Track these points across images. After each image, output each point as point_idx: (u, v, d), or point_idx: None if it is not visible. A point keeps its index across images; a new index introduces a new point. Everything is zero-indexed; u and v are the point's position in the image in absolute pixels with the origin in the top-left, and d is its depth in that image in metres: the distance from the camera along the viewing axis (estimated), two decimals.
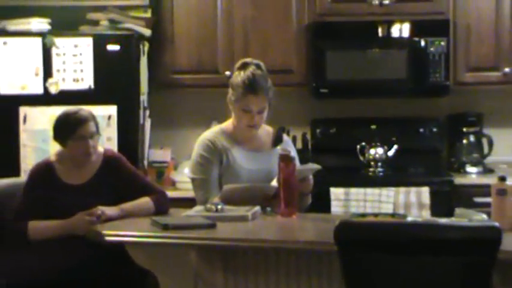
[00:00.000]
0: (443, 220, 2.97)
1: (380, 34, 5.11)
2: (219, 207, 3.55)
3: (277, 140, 3.98)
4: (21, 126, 4.71)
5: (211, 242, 3.18)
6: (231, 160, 3.88)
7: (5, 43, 4.70)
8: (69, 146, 3.74)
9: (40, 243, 3.64)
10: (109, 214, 3.58)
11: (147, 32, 4.95)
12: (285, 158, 3.66)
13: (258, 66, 3.86)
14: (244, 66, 3.86)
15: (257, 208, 3.60)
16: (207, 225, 3.31)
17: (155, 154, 5.18)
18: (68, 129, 3.73)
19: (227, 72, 4.97)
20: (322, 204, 4.47)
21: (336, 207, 4.78)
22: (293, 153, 3.81)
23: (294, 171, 3.65)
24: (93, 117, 3.80)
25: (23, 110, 4.72)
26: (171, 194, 4.08)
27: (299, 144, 5.20)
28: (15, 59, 4.70)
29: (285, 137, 4.09)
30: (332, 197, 4.80)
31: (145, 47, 4.96)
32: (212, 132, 3.99)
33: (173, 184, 5.09)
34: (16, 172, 4.63)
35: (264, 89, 3.81)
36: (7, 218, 3.72)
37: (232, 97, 3.85)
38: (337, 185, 4.82)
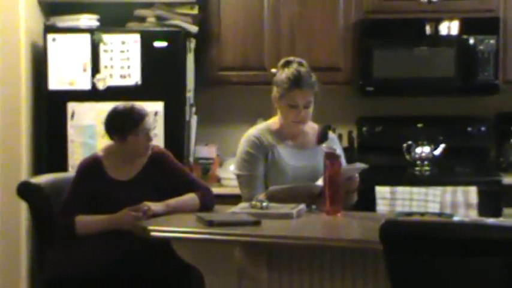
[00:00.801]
0: (491, 220, 2.93)
1: (428, 32, 5.06)
2: (264, 204, 3.55)
3: (322, 138, 3.96)
4: (69, 122, 4.76)
5: (256, 239, 3.17)
6: (276, 157, 3.88)
7: (54, 39, 4.74)
8: (130, 140, 3.76)
9: (86, 238, 3.67)
10: (155, 210, 3.59)
11: (194, 29, 4.96)
12: (331, 156, 3.64)
13: (300, 64, 3.88)
14: (287, 64, 3.89)
15: (302, 206, 3.59)
16: (251, 222, 3.31)
17: (201, 151, 5.20)
18: (130, 124, 3.73)
19: (273, 70, 4.95)
20: (367, 202, 4.45)
21: (382, 206, 4.76)
22: (339, 151, 3.80)
23: (339, 169, 3.64)
24: (148, 113, 3.84)
25: (71, 106, 4.76)
26: (216, 190, 4.09)
27: (345, 142, 5.17)
28: (64, 55, 4.75)
29: (330, 134, 4.08)
30: (378, 195, 4.78)
31: (191, 43, 4.98)
32: (258, 129, 4.00)
33: (218, 181, 5.11)
34: (64, 167, 4.68)
35: (309, 83, 3.82)
36: (55, 212, 3.76)
37: (277, 94, 3.85)
38: (383, 183, 4.79)
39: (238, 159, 3.95)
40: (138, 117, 3.75)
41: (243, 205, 3.67)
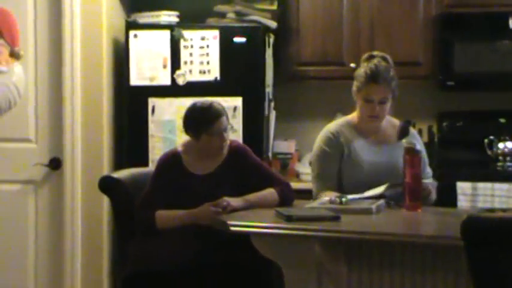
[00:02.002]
0: None
1: (511, 25, 4.96)
2: (343, 199, 3.54)
3: (402, 133, 3.92)
4: (150, 117, 4.82)
5: (335, 235, 3.16)
6: (352, 153, 3.86)
7: (135, 36, 4.81)
8: (203, 139, 3.78)
9: (166, 232, 3.71)
10: (234, 205, 3.61)
11: (273, 24, 4.97)
12: (411, 151, 3.61)
13: (383, 59, 3.86)
14: (369, 58, 3.88)
15: (381, 201, 3.57)
16: (331, 217, 3.30)
17: (279, 146, 5.20)
18: (204, 123, 3.74)
19: (352, 64, 4.93)
20: (448, 198, 4.38)
21: (463, 202, 4.68)
22: (419, 146, 3.76)
23: (420, 165, 3.61)
24: (225, 111, 3.84)
25: (152, 101, 4.82)
26: (295, 185, 4.09)
27: (425, 138, 5.11)
28: (144, 51, 4.81)
29: (411, 130, 4.04)
30: (458, 191, 4.70)
31: (270, 39, 4.99)
32: (336, 124, 3.99)
33: (297, 176, 5.11)
34: (144, 162, 4.74)
35: (386, 79, 3.79)
36: (135, 206, 3.81)
37: (355, 88, 3.86)
38: (464, 179, 4.71)
39: (312, 155, 3.96)
40: (213, 117, 3.75)
41: (322, 200, 3.66)
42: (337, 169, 3.89)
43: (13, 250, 4.79)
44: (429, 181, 3.90)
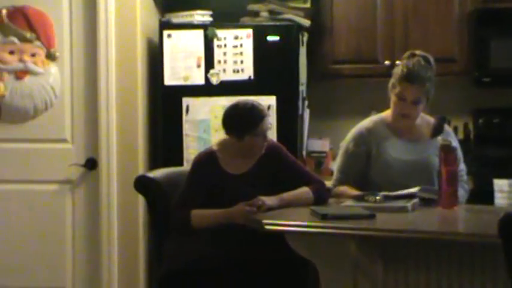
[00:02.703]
0: None
1: None
2: (378, 198, 3.52)
3: (437, 130, 3.90)
4: (184, 117, 4.83)
5: (371, 233, 3.15)
6: (381, 150, 3.86)
7: (169, 36, 4.83)
8: (247, 140, 3.77)
9: (202, 230, 3.72)
10: (269, 204, 3.60)
11: (307, 23, 4.96)
12: (446, 149, 3.59)
13: (424, 59, 3.85)
14: (410, 57, 3.87)
15: (416, 199, 3.55)
16: (366, 215, 3.28)
17: (314, 144, 5.19)
18: (250, 125, 3.74)
19: (386, 62, 4.92)
20: (485, 195, 4.34)
21: (500, 199, 4.63)
22: (454, 144, 3.73)
23: (455, 162, 3.58)
24: (267, 113, 3.85)
25: (186, 101, 4.83)
26: (329, 184, 4.08)
27: (460, 135, 5.07)
28: (178, 50, 4.82)
29: (446, 127, 4.01)
30: (495, 188, 4.64)
31: (304, 37, 4.98)
32: (371, 120, 3.99)
33: (331, 174, 5.07)
34: (179, 161, 4.76)
35: (421, 80, 3.77)
36: (171, 205, 3.83)
37: (390, 84, 3.85)
38: (501, 176, 4.65)
39: (340, 147, 3.98)
40: (257, 119, 3.75)
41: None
42: (360, 168, 3.90)
43: (51, 249, 4.84)
44: (462, 180, 3.86)
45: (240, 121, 3.76)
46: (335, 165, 4.05)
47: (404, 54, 3.91)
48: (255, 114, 3.75)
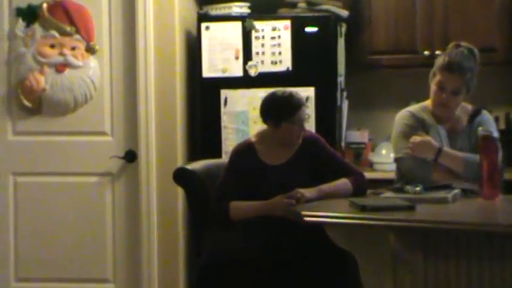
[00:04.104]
0: None
1: None
2: (418, 189, 3.50)
3: (474, 115, 3.88)
4: (222, 109, 4.84)
5: (411, 224, 3.13)
6: (435, 137, 3.82)
7: (207, 28, 4.83)
8: (283, 128, 3.78)
9: (241, 222, 3.72)
10: (308, 196, 3.60)
11: (345, 13, 4.93)
12: (487, 139, 3.55)
13: (468, 50, 3.85)
14: (454, 47, 3.86)
15: (457, 190, 3.52)
16: (406, 207, 3.26)
17: (352, 135, 5.17)
18: (286, 112, 3.75)
19: (426, 52, 4.88)
20: None
21: None
22: (495, 133, 3.70)
23: (497, 152, 3.54)
24: (305, 102, 3.85)
25: (224, 93, 4.84)
26: (368, 175, 4.06)
27: (502, 125, 5.02)
28: (216, 42, 4.83)
29: (486, 116, 3.97)
30: None
31: (342, 28, 4.95)
32: (414, 107, 3.98)
33: (371, 165, 5.07)
34: (217, 153, 4.77)
35: (461, 69, 3.76)
36: (210, 197, 3.84)
37: (432, 72, 3.85)
38: None
39: (394, 139, 3.92)
40: (295, 106, 3.76)
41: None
42: None
43: (91, 240, 4.88)
44: None
45: (277, 108, 3.77)
46: (399, 171, 3.98)
47: (449, 45, 3.90)
48: (293, 102, 3.76)
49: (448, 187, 3.57)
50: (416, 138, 3.78)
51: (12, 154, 4.93)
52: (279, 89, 3.86)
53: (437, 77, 3.80)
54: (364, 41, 5.11)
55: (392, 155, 4.05)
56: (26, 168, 4.93)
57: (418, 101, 4.13)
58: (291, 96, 3.78)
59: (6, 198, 4.93)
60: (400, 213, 3.20)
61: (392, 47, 5.08)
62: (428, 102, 3.95)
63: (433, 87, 3.85)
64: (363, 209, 3.25)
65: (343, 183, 3.73)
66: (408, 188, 3.52)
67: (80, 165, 4.89)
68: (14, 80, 4.89)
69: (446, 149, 3.77)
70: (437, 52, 4.71)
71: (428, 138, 3.78)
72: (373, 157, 5.09)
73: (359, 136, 5.19)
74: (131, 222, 4.85)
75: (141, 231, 4.80)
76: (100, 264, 4.88)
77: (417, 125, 3.87)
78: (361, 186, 3.76)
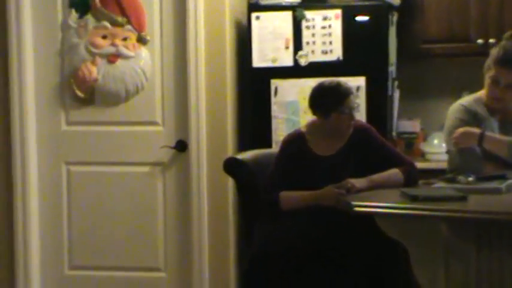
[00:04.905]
0: None
1: None
2: (470, 179, 3.46)
3: None
4: (273, 99, 4.83)
5: (463, 215, 3.09)
6: (490, 130, 3.76)
7: (257, 17, 4.83)
8: (332, 117, 3.76)
9: (291, 212, 3.72)
10: (358, 187, 3.58)
11: (396, 2, 4.88)
12: None
13: None
14: (509, 37, 3.78)
15: (511, 180, 3.47)
16: (458, 197, 3.23)
17: (404, 125, 5.13)
18: (334, 102, 3.74)
19: (479, 40, 4.81)
20: None
21: None
22: None
23: None
24: (353, 91, 3.83)
25: (274, 83, 4.83)
26: (420, 165, 4.03)
27: None
28: (266, 32, 4.82)
29: None
30: None
31: (394, 17, 4.91)
32: (467, 100, 3.92)
33: (422, 155, 5.03)
34: (268, 143, 4.76)
35: None
36: (260, 187, 3.84)
37: (486, 64, 3.77)
38: None
39: (446, 133, 3.87)
40: (342, 95, 3.74)
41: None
42: None
43: (143, 229, 4.92)
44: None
45: (325, 98, 3.76)
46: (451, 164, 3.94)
47: (505, 34, 3.82)
48: (341, 91, 3.74)
49: (501, 177, 3.52)
50: (457, 132, 3.72)
51: (65, 144, 4.99)
52: (326, 80, 3.85)
53: (492, 71, 3.72)
54: (416, 30, 5.05)
55: (444, 145, 4.01)
56: (79, 157, 4.99)
57: (471, 90, 4.08)
58: (338, 85, 3.76)
59: (60, 188, 5.00)
60: (452, 203, 3.17)
61: (445, 36, 5.01)
62: (482, 93, 3.88)
63: (487, 80, 3.77)
64: (414, 199, 3.23)
65: (394, 173, 3.70)
66: (461, 178, 3.48)
67: (131, 155, 4.93)
68: (67, 71, 4.95)
69: (489, 133, 3.70)
70: (491, 40, 4.64)
71: (467, 128, 3.72)
72: (425, 147, 5.05)
73: (410, 126, 5.15)
74: (182, 212, 4.87)
75: (191, 221, 4.83)
76: (151, 253, 4.92)
77: (469, 119, 3.81)
78: (412, 177, 3.73)
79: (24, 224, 4.93)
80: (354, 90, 3.85)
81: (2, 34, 4.89)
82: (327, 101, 3.75)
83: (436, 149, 4.90)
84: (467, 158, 3.69)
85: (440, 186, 3.51)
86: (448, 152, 3.92)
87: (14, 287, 4.96)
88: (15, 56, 4.88)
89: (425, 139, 5.12)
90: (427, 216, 3.14)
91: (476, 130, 3.68)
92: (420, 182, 3.74)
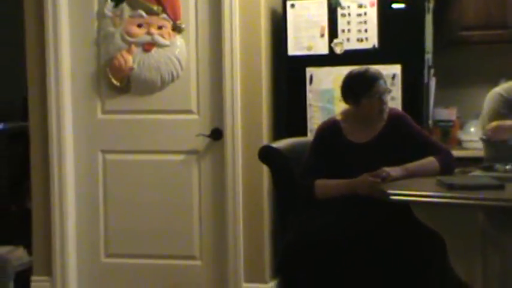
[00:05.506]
0: None
1: None
2: (508, 167, 3.42)
3: None
4: (308, 87, 4.82)
5: (500, 203, 3.06)
6: None
7: (292, 5, 4.81)
8: (363, 104, 3.75)
9: (326, 200, 3.71)
10: (394, 176, 3.56)
11: None
12: None
13: None
14: None
15: None
16: (495, 185, 3.19)
17: (440, 113, 5.09)
18: (362, 87, 3.73)
19: None
20: None
21: None
22: None
23: None
24: (382, 75, 3.80)
25: (309, 71, 4.81)
26: (456, 153, 3.99)
27: None
28: (302, 20, 4.80)
29: None
30: None
31: (430, 4, 4.86)
32: (504, 88, 3.87)
33: (459, 143, 4.99)
34: (303, 131, 4.75)
35: None
36: (295, 176, 3.83)
37: None
38: None
39: (482, 121, 3.83)
40: (370, 80, 3.73)
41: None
42: None
43: (178, 217, 4.94)
44: None
45: (353, 85, 3.75)
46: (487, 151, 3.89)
47: None
48: (368, 76, 3.73)
49: None
50: (490, 125, 3.68)
51: (101, 132, 5.02)
52: (355, 68, 3.83)
53: None
54: (453, 17, 5.01)
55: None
56: (115, 146, 5.02)
57: (509, 77, 4.03)
58: (365, 71, 3.76)
59: (96, 175, 5.04)
60: (489, 192, 3.13)
61: (482, 22, 4.96)
62: None
63: None
64: (451, 187, 3.20)
65: (430, 161, 3.68)
66: (498, 166, 3.45)
67: (166, 144, 4.95)
68: (103, 60, 4.98)
69: None
70: None
71: (500, 122, 3.67)
72: (461, 135, 5.01)
73: (447, 114, 5.11)
74: (217, 200, 4.89)
75: (226, 209, 4.84)
76: (187, 241, 4.94)
77: (505, 107, 3.76)
78: (449, 165, 3.69)
79: (60, 211, 4.98)
80: (385, 79, 3.81)
81: (39, 24, 4.93)
82: (356, 88, 3.74)
83: (473, 137, 4.86)
84: (500, 150, 3.65)
85: (477, 174, 3.48)
86: (481, 139, 3.88)
87: (50, 275, 5.01)
88: (52, 45, 4.92)
89: (461, 127, 5.08)
90: (464, 204, 3.11)
91: (509, 123, 3.64)
92: (457, 170, 3.71)
